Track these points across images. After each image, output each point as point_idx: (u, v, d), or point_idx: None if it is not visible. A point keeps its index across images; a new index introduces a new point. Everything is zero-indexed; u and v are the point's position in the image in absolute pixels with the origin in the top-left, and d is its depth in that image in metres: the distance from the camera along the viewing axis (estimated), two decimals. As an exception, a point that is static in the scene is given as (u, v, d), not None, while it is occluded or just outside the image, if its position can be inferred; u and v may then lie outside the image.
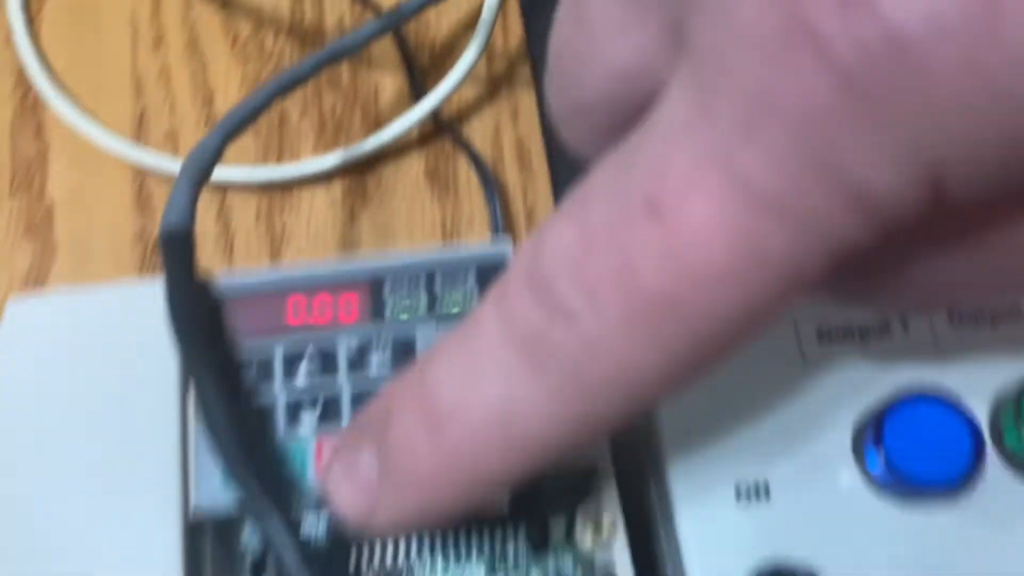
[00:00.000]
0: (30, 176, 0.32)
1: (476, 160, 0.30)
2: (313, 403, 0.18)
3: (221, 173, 0.30)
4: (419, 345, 0.19)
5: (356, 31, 0.28)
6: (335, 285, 0.19)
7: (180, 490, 0.18)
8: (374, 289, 0.19)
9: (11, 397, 0.19)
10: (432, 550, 0.18)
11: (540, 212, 0.31)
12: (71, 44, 0.33)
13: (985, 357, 0.20)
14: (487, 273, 0.19)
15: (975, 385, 0.20)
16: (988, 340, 0.21)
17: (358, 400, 0.18)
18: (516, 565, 0.18)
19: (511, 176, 0.32)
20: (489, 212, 0.29)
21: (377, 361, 0.19)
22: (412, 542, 0.18)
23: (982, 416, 0.20)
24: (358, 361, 0.19)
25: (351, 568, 0.18)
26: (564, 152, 0.17)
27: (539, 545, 0.19)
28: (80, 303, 0.20)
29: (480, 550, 0.19)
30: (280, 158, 0.32)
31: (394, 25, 0.29)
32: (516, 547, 0.19)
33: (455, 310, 0.19)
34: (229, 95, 0.33)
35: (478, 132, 0.32)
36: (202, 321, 0.19)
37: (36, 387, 0.19)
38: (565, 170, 0.31)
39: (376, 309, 0.19)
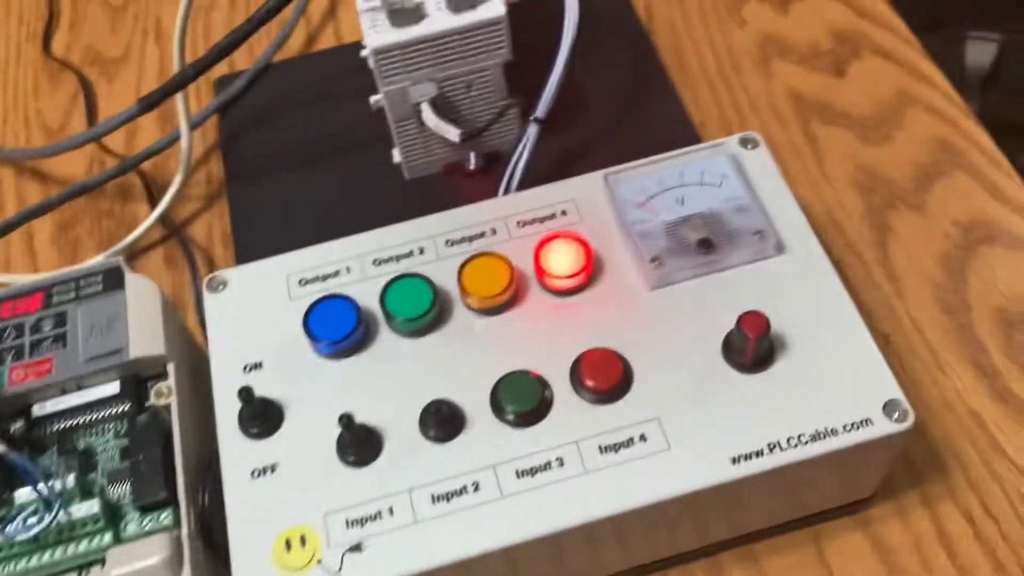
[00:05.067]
0: None
1: (185, 247, 0.48)
2: (11, 351, 0.35)
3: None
4: (68, 315, 0.36)
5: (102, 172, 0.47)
6: (28, 291, 0.36)
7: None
8: (46, 292, 0.36)
9: None
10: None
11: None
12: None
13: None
14: (110, 275, 0.36)
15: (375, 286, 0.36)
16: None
17: (35, 345, 0.35)
18: (124, 417, 0.34)
19: (219, 252, 0.49)
20: (191, 275, 0.47)
21: (46, 328, 0.36)
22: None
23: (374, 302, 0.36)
24: (36, 327, 0.36)
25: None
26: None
27: (139, 407, 0.35)
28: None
29: (110, 422, 0.35)
30: (73, 263, 0.49)
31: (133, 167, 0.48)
32: (126, 412, 0.35)
33: (87, 292, 0.36)
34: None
35: (202, 229, 0.50)
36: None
37: None
38: (243, 247, 0.48)
39: (46, 302, 0.36)
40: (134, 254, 0.49)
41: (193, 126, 0.50)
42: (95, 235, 0.51)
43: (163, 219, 0.49)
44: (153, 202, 0.51)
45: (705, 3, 0.55)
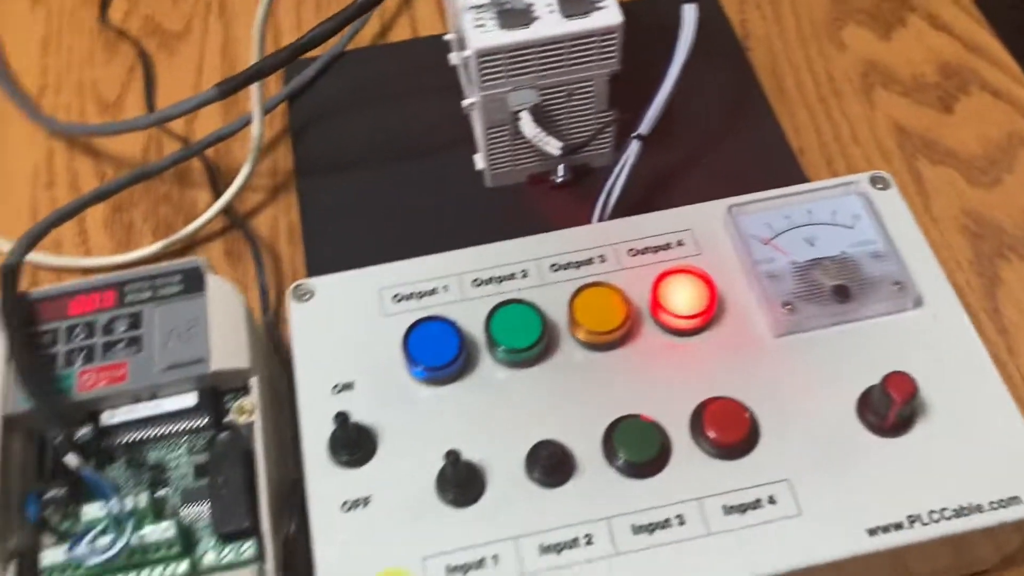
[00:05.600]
0: None
1: (251, 241, 0.45)
2: (82, 351, 0.32)
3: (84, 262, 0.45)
4: (144, 316, 0.33)
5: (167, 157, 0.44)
6: (100, 287, 0.34)
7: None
8: (119, 289, 0.34)
9: None
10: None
11: (299, 271, 0.45)
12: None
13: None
14: (190, 276, 0.34)
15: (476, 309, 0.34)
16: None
17: (107, 347, 0.32)
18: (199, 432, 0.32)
19: (285, 248, 0.46)
20: (256, 271, 0.44)
21: (119, 329, 0.33)
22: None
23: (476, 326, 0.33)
24: (108, 328, 0.33)
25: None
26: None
27: (217, 422, 0.32)
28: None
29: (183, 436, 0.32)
30: (127, 248, 0.46)
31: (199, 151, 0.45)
32: (202, 426, 0.32)
33: (165, 292, 0.33)
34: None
35: (266, 222, 0.47)
36: (17, 317, 0.33)
37: None
38: (314, 244, 0.46)
39: (119, 300, 0.33)
40: (193, 244, 0.46)
41: (264, 112, 0.47)
42: (150, 220, 0.48)
43: (226, 209, 0.46)
44: (216, 189, 0.48)
45: (803, 22, 0.53)
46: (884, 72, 0.50)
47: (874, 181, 0.36)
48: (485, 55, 0.39)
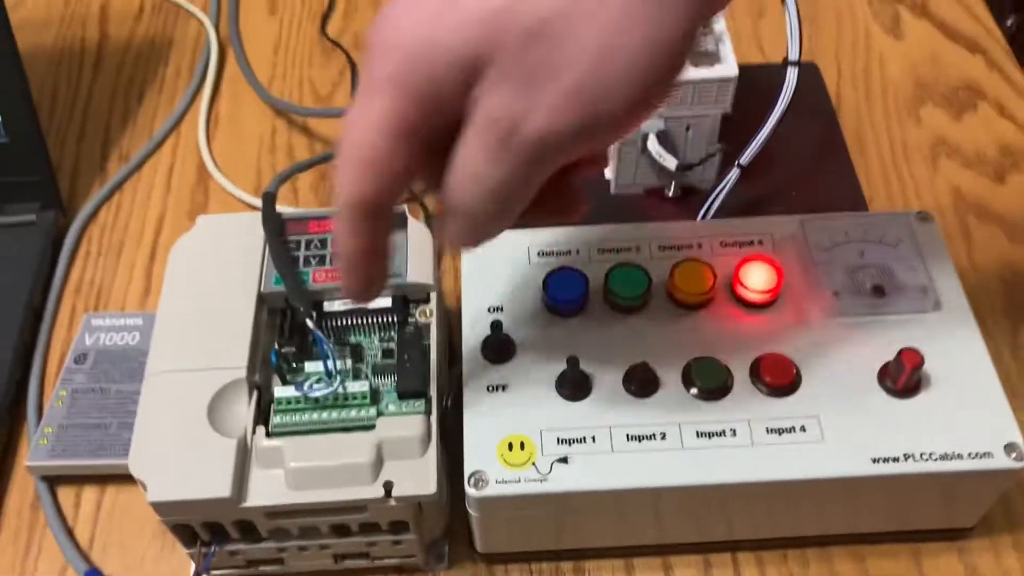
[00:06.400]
0: (197, 211, 0.61)
1: (424, 209, 0.58)
2: (315, 258, 0.45)
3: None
4: (361, 240, 0.45)
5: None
6: (327, 216, 0.46)
7: (257, 287, 0.44)
8: (346, 219, 0.46)
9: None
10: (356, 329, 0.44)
11: (458, 238, 0.58)
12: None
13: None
14: (398, 218, 0.46)
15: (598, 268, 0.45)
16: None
17: (335, 257, 0.45)
18: (389, 326, 0.44)
19: (446, 221, 0.59)
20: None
21: (343, 245, 0.45)
22: (352, 321, 0.44)
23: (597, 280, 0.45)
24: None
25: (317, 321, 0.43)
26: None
27: (402, 320, 0.44)
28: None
29: (376, 328, 0.44)
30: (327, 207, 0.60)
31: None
32: (392, 322, 0.44)
33: (377, 226, 0.46)
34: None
35: (432, 200, 0.60)
36: (274, 227, 0.46)
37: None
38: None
39: (346, 226, 0.46)
40: (377, 209, 0.60)
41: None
42: (346, 187, 0.61)
43: (406, 185, 0.59)
44: (399, 170, 0.61)
45: (888, 98, 0.63)
46: (951, 146, 0.60)
47: (920, 217, 0.47)
48: (628, 88, 0.51)
